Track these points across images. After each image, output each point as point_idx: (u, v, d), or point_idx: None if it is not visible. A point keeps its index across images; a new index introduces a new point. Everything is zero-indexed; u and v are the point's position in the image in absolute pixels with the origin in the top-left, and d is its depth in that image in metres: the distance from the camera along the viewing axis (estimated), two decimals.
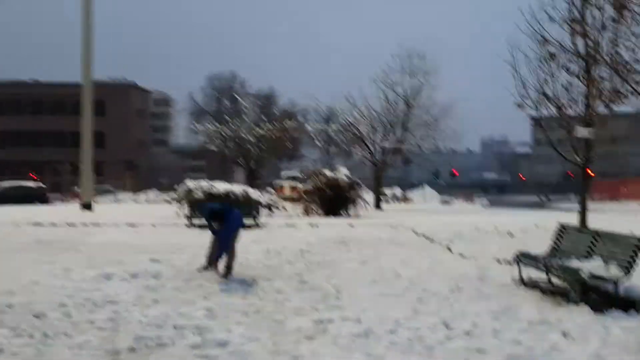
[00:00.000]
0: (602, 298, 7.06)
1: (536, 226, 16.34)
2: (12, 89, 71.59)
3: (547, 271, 8.02)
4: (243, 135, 39.11)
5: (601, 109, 14.32)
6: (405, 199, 45.55)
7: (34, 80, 76.05)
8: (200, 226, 15.49)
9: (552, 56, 14.04)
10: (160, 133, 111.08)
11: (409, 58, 30.45)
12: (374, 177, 32.68)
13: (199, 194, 18.08)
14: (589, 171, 15.47)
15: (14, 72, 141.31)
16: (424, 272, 9.27)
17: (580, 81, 14.16)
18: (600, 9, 13.68)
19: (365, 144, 31.81)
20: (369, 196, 27.85)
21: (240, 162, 41.72)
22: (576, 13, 13.89)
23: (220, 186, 18.99)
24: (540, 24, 14.07)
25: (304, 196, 23.51)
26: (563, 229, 8.87)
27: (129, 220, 17.82)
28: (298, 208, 23.63)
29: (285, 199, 28.40)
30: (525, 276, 8.53)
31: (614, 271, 6.89)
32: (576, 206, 17.17)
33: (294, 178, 43.69)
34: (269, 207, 21.74)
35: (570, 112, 14.66)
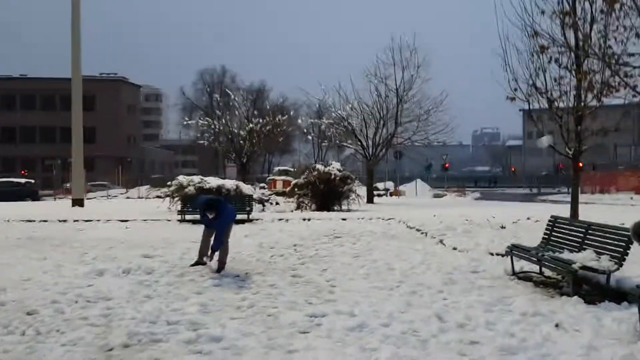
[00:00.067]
0: (594, 289, 7.12)
1: (528, 218, 16.44)
2: (2, 84, 70.94)
3: (540, 263, 8.07)
4: (234, 129, 38.98)
5: (592, 101, 14.36)
6: (397, 193, 45.60)
7: (23, 76, 75.39)
8: (193, 221, 15.47)
9: (543, 49, 14.04)
10: (151, 128, 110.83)
11: (400, 51, 30.40)
12: (366, 171, 32.68)
13: (190, 189, 18.05)
14: (579, 163, 15.52)
15: (3, 67, 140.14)
16: (417, 265, 9.30)
17: (571, 74, 14.19)
18: (590, 1, 13.70)
19: (357, 138, 31.78)
20: (361, 190, 27.86)
21: (232, 157, 41.57)
22: (566, 5, 13.91)
23: (212, 181, 18.97)
24: (531, 17, 14.08)
25: (297, 190, 23.47)
26: (555, 221, 8.91)
27: (120, 216, 17.75)
28: (290, 202, 23.61)
29: (278, 193, 28.35)
30: (517, 268, 8.58)
31: (605, 263, 6.93)
32: (567, 198, 17.30)
33: (286, 172, 43.69)
34: (261, 201, 21.77)
35: (561, 104, 14.70)
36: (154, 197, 30.53)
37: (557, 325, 5.75)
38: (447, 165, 56.70)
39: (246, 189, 19.20)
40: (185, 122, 50.98)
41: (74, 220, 16.72)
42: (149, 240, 12.37)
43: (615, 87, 13.30)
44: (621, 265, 6.89)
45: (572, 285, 7.01)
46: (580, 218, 13.37)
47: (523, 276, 8.37)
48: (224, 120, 39.27)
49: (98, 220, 16.77)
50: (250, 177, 40.94)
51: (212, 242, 8.86)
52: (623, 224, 10.14)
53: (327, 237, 13.11)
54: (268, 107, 49.31)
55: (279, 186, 35.20)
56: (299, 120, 46.37)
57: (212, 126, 39.76)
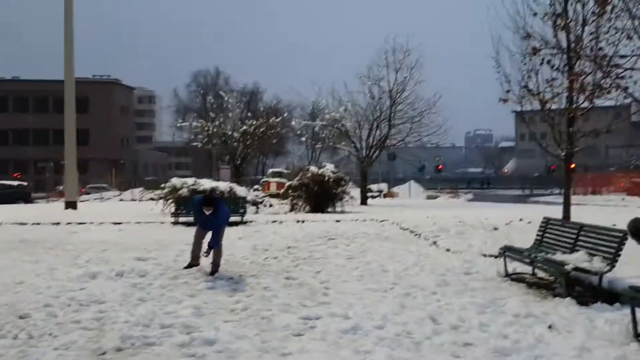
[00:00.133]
0: (586, 291, 7.15)
1: (521, 220, 16.49)
2: None
3: (532, 264, 8.10)
4: (228, 131, 38.91)
5: (584, 103, 14.43)
6: (391, 194, 45.67)
7: (16, 78, 75.05)
8: (186, 223, 15.43)
9: (535, 50, 14.11)
10: (145, 130, 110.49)
11: (394, 53, 30.46)
12: (360, 173, 32.70)
13: (184, 192, 18.00)
14: (571, 165, 15.59)
15: None
16: (410, 267, 9.32)
17: (563, 75, 14.26)
18: (582, 3, 13.78)
19: (351, 140, 31.82)
20: (355, 192, 27.88)
21: (225, 158, 41.52)
22: (558, 7, 13.98)
23: (206, 183, 18.93)
24: (523, 19, 14.15)
25: (290, 192, 23.45)
26: (547, 223, 8.95)
27: (114, 219, 17.67)
28: (284, 204, 23.59)
29: (272, 195, 28.32)
30: (510, 270, 8.61)
31: (598, 264, 6.97)
32: (559, 199, 17.37)
33: (280, 174, 43.65)
34: (255, 203, 21.74)
35: (553, 106, 14.77)
36: (147, 200, 30.44)
37: (550, 327, 5.77)
38: (440, 166, 56.83)
39: (240, 190, 19.16)
40: (178, 125, 50.85)
41: (67, 223, 16.61)
42: (143, 242, 12.32)
43: (607, 88, 13.38)
44: (613, 266, 6.93)
45: (565, 287, 7.04)
46: (573, 219, 13.43)
47: (516, 277, 8.40)
48: (217, 122, 39.20)
49: (91, 223, 16.67)
50: (244, 179, 40.87)
51: (207, 242, 8.85)
52: (615, 225, 10.21)
53: (321, 239, 13.10)
54: (262, 108, 49.32)
55: (273, 188, 35.15)
56: (293, 122, 46.30)
57: (206, 128, 39.69)
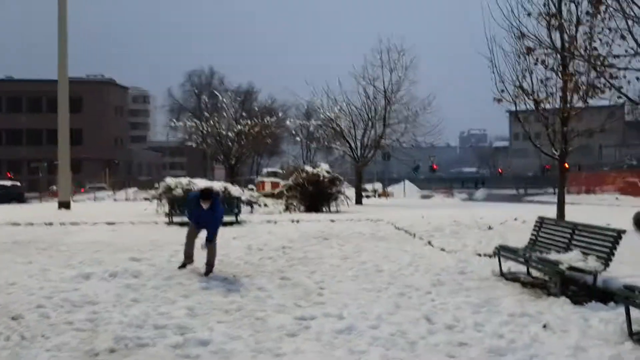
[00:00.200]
0: (581, 290, 7.16)
1: (515, 219, 16.52)
2: None
3: (527, 264, 8.11)
4: (222, 131, 38.82)
5: (578, 102, 14.47)
6: (385, 194, 45.70)
7: (9, 78, 74.69)
8: (180, 223, 15.37)
9: (529, 50, 14.13)
10: (139, 130, 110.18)
11: (388, 53, 30.49)
12: (355, 173, 32.72)
13: (178, 191, 17.95)
14: (565, 164, 15.63)
15: None
16: (405, 267, 9.31)
17: (557, 75, 14.30)
18: (576, 3, 13.82)
19: (346, 140, 31.82)
20: (350, 191, 27.88)
21: (220, 158, 41.42)
22: (552, 7, 14.01)
23: (200, 183, 18.87)
24: (517, 19, 14.16)
25: (285, 192, 23.43)
26: (542, 222, 8.96)
27: (107, 219, 17.61)
28: (279, 204, 23.56)
29: (266, 195, 28.28)
30: (505, 269, 8.61)
31: (592, 263, 6.98)
32: (553, 199, 17.41)
33: (274, 174, 43.63)
34: (249, 203, 21.69)
35: (547, 106, 14.80)
36: (141, 200, 30.35)
37: (544, 326, 5.77)
38: (434, 166, 56.94)
39: (234, 190, 19.12)
40: (172, 124, 50.70)
41: (61, 223, 16.54)
42: (136, 243, 12.27)
43: (601, 88, 13.42)
44: (608, 265, 6.95)
45: (560, 286, 7.05)
46: (567, 219, 13.46)
47: (511, 277, 8.40)
48: (211, 122, 39.11)
49: (85, 223, 16.61)
50: (238, 179, 40.79)
51: (199, 241, 8.82)
52: (609, 224, 10.25)
53: (316, 238, 13.08)
54: (256, 108, 49.17)
55: (268, 188, 35.15)
56: (288, 122, 46.31)
57: (200, 128, 39.60)
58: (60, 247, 11.62)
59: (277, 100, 63.07)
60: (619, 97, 13.56)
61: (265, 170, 50.79)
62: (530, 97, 14.69)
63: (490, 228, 14.70)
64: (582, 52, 13.27)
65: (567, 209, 15.45)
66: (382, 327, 5.77)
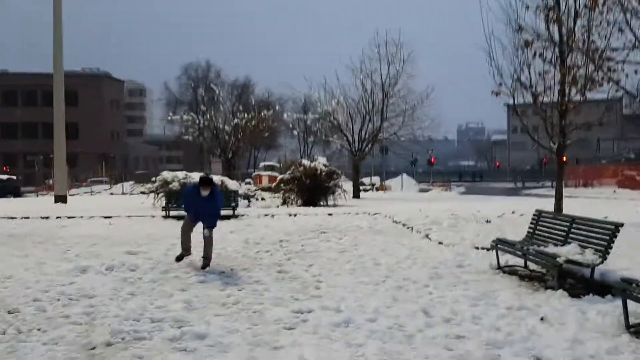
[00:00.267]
0: (578, 283, 7.16)
1: (513, 212, 16.53)
2: None
3: (525, 257, 8.10)
4: (219, 125, 38.72)
5: (576, 95, 14.45)
6: (383, 188, 45.68)
7: (4, 71, 74.33)
8: (177, 217, 15.34)
9: (528, 43, 14.09)
10: (135, 123, 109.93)
11: (386, 46, 30.39)
12: (352, 166, 32.67)
13: (175, 185, 17.91)
14: (563, 157, 15.61)
15: None
16: (403, 260, 9.30)
17: (555, 68, 14.26)
18: None
19: (343, 133, 31.75)
20: (347, 185, 27.85)
21: (217, 152, 41.31)
22: (550, 0, 13.96)
23: (197, 177, 18.82)
24: (515, 12, 14.12)
25: (283, 186, 23.38)
26: (539, 215, 8.96)
27: (104, 212, 17.57)
28: (276, 198, 23.53)
29: (264, 189, 28.24)
30: (502, 262, 8.61)
31: (590, 256, 6.98)
32: (551, 192, 17.43)
33: (272, 168, 43.54)
34: (247, 197, 21.67)
35: (545, 99, 14.77)
36: (138, 193, 30.29)
37: (542, 319, 5.77)
38: (432, 159, 56.92)
39: (231, 184, 19.08)
40: (169, 118, 50.54)
41: (57, 217, 16.49)
42: (133, 236, 12.24)
43: (599, 81, 13.41)
44: (605, 258, 6.94)
45: (557, 279, 7.05)
46: (565, 212, 13.47)
47: (508, 270, 8.40)
48: (208, 116, 39.00)
49: (81, 217, 16.56)
50: (235, 173, 40.72)
51: (195, 234, 8.79)
52: (607, 217, 10.25)
53: (313, 232, 13.07)
54: (253, 102, 49.04)
55: (265, 182, 35.07)
56: (285, 116, 46.18)
57: (197, 121, 39.48)
58: (57, 241, 11.59)
59: (274, 94, 63.04)
60: (617, 91, 13.56)
61: (262, 164, 50.69)
62: (528, 90, 14.66)
63: (488, 221, 14.69)
64: (580, 45, 13.25)
65: (565, 202, 15.45)
66: (379, 320, 5.77)
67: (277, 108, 47.10)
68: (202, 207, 8.70)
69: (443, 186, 51.27)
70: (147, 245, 10.77)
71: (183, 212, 10.24)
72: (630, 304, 5.46)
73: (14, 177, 40.52)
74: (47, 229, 13.70)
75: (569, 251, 7.19)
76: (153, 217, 16.65)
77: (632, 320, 5.45)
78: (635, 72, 12.59)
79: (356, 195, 29.90)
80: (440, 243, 11.22)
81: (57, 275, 7.91)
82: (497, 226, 13.58)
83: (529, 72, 14.53)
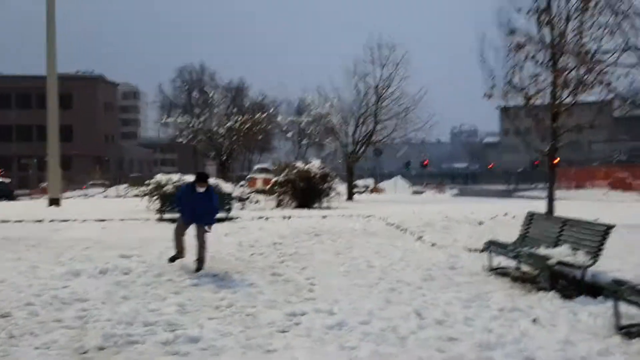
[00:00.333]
0: (570, 284, 7.19)
1: (505, 214, 16.60)
2: None
3: (517, 259, 8.14)
4: (213, 127, 38.69)
5: (567, 98, 14.54)
6: (377, 190, 45.76)
7: None
8: (171, 220, 15.31)
9: (520, 46, 14.18)
10: (129, 126, 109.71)
11: (379, 49, 30.49)
12: (346, 169, 32.74)
13: (169, 188, 17.87)
14: (555, 160, 15.70)
15: None
16: (396, 262, 9.33)
17: (547, 71, 14.35)
18: None
19: (337, 136, 31.81)
20: (341, 187, 27.88)
21: (211, 155, 41.26)
22: (542, 3, 14.06)
23: (191, 180, 18.80)
24: (507, 15, 14.21)
25: (277, 189, 23.40)
26: (531, 217, 9.00)
27: (97, 216, 17.52)
28: (270, 200, 23.54)
29: (258, 191, 28.24)
30: (495, 264, 8.65)
31: (581, 258, 7.01)
32: (543, 194, 17.48)
33: (266, 170, 43.50)
34: (241, 200, 21.65)
35: (537, 101, 14.86)
36: (132, 196, 30.21)
37: (534, 321, 5.80)
38: (425, 162, 57.05)
39: (226, 187, 19.07)
40: (163, 121, 50.45)
41: (50, 220, 16.45)
42: (127, 240, 12.22)
43: (590, 84, 13.50)
44: (596, 260, 6.98)
45: (549, 281, 7.08)
46: (556, 214, 13.53)
47: (500, 272, 8.44)
48: (202, 118, 38.96)
49: (75, 220, 16.52)
50: (230, 175, 40.66)
51: (188, 236, 8.77)
52: (598, 219, 10.31)
53: (307, 235, 13.08)
54: (247, 104, 49.04)
55: (259, 184, 35.07)
56: (279, 118, 46.21)
57: (191, 124, 39.44)
58: (50, 244, 11.56)
59: (268, 97, 63.02)
60: (608, 93, 13.65)
61: (256, 166, 50.66)
62: (520, 92, 14.74)
63: (480, 223, 14.76)
64: (572, 48, 13.34)
65: (557, 204, 15.53)
66: (372, 323, 5.78)
67: (271, 110, 47.06)
68: (198, 204, 8.66)
69: (436, 188, 51.37)
70: (140, 249, 10.75)
71: (177, 215, 10.22)
72: (622, 305, 5.49)
73: (7, 181, 40.30)
74: (40, 233, 13.66)
75: (560, 253, 7.23)
76: (147, 220, 16.62)
77: (623, 322, 5.49)
78: (626, 74, 12.70)
79: (350, 197, 29.95)
80: (433, 245, 11.26)
81: (50, 279, 7.89)
82: (490, 228, 13.64)
83: (521, 75, 14.63)
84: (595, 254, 6.98)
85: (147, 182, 20.01)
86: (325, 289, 7.49)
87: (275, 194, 23.31)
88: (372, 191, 44.74)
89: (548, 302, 6.50)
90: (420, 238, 12.35)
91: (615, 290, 5.51)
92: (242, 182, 38.70)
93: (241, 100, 55.48)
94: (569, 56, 13.57)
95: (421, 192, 46.25)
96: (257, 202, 23.41)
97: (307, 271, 8.72)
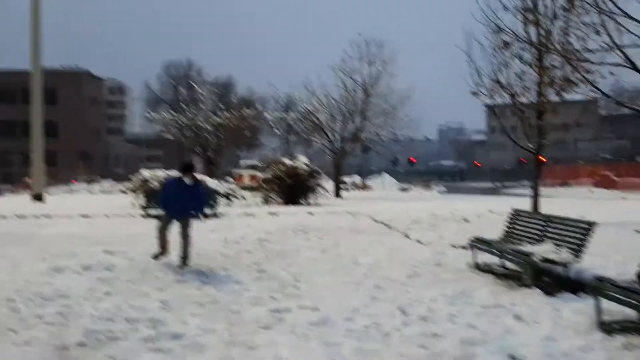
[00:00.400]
0: (553, 281, 7.24)
1: (491, 212, 16.69)
2: None
3: (501, 256, 8.18)
4: (200, 123, 38.51)
5: (553, 96, 14.64)
6: (364, 187, 45.82)
7: None
8: (157, 216, 15.20)
9: (506, 45, 14.26)
10: (115, 122, 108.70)
11: (367, 46, 30.50)
12: (334, 166, 32.76)
13: (154, 184, 17.75)
14: (541, 158, 15.82)
15: None
16: (382, 259, 9.33)
17: (533, 69, 14.44)
18: None
19: (325, 133, 31.79)
20: (328, 184, 27.89)
21: (198, 151, 41.06)
22: (529, 2, 14.13)
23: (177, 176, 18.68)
24: (494, 13, 14.26)
25: (264, 185, 23.35)
26: (516, 214, 9.05)
27: (82, 212, 17.37)
28: (257, 197, 23.47)
29: (245, 188, 28.15)
30: (480, 261, 8.68)
31: (565, 255, 7.07)
32: (529, 191, 17.60)
33: (253, 167, 43.36)
34: (227, 196, 21.55)
35: (523, 100, 14.95)
36: (117, 192, 29.99)
37: (517, 317, 5.82)
38: (413, 159, 57.22)
39: (212, 183, 18.97)
40: (149, 116, 50.06)
41: (34, 216, 16.27)
42: (111, 236, 12.12)
43: (576, 82, 13.60)
44: (579, 256, 7.03)
45: (532, 277, 7.12)
46: (542, 211, 13.63)
47: (485, 269, 8.47)
48: (189, 114, 38.75)
49: (59, 216, 16.36)
50: (216, 172, 40.49)
51: (170, 233, 8.71)
52: (583, 216, 10.39)
53: (294, 231, 13.06)
54: (235, 100, 48.82)
55: (246, 181, 34.98)
56: (266, 114, 46.09)
57: (177, 120, 39.22)
58: (33, 240, 11.42)
59: (256, 93, 62.72)
60: (593, 92, 13.75)
61: (243, 162, 50.49)
62: (507, 91, 14.83)
63: (466, 220, 14.83)
64: (558, 47, 13.43)
65: (543, 201, 15.66)
66: (357, 320, 5.78)
67: (258, 107, 46.92)
68: (187, 196, 8.59)
69: (423, 185, 51.55)
70: (125, 245, 10.67)
71: (162, 212, 10.15)
72: (603, 302, 5.53)
73: None
74: (23, 229, 13.50)
75: (544, 250, 7.27)
76: (132, 216, 16.51)
77: (604, 318, 5.53)
78: (611, 73, 12.79)
79: (337, 194, 29.96)
80: (419, 242, 11.30)
81: (32, 276, 7.80)
82: (476, 225, 13.70)
83: (507, 73, 14.72)
84: (579, 251, 7.03)
85: (132, 178, 19.88)
86: (311, 286, 7.47)
87: (262, 191, 23.25)
88: (359, 188, 44.79)
89: (531, 298, 6.54)
90: (406, 235, 12.38)
91: (597, 287, 5.55)
92: (229, 179, 38.53)
93: (229, 96, 55.15)
94: (554, 55, 13.66)
95: (408, 189, 46.36)
96: (243, 198, 23.31)
97: (292, 268, 8.70)
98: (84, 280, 7.58)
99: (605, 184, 37.74)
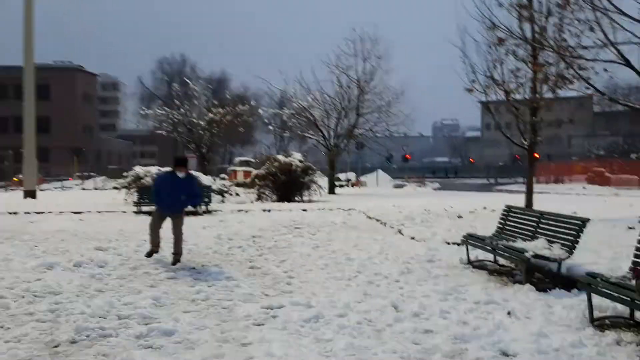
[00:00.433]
0: (546, 277, 7.26)
1: (484, 208, 16.72)
2: None
3: (494, 252, 8.19)
4: (194, 119, 38.35)
5: (547, 93, 14.66)
6: (358, 183, 45.81)
7: None
8: (149, 213, 15.15)
9: (501, 41, 14.25)
10: (109, 118, 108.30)
11: (362, 42, 30.47)
12: (328, 162, 32.72)
13: (147, 180, 17.70)
14: (535, 154, 15.85)
15: None
16: (375, 256, 9.33)
17: (528, 66, 14.45)
18: None
19: (319, 129, 31.74)
20: (322, 181, 27.85)
21: (191, 147, 40.92)
22: None
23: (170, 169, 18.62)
24: (489, 9, 14.26)
25: (257, 181, 23.28)
26: (509, 211, 9.06)
27: (74, 208, 17.28)
28: (251, 193, 23.42)
29: (238, 184, 28.09)
30: (473, 257, 8.69)
31: (557, 251, 7.08)
32: (523, 188, 17.67)
33: (247, 163, 43.33)
34: (221, 192, 21.50)
35: (517, 96, 14.97)
36: (110, 189, 29.87)
37: (509, 313, 5.84)
38: (407, 156, 57.23)
39: (205, 179, 18.93)
40: (142, 112, 49.89)
41: (25, 212, 16.17)
42: (103, 232, 12.06)
43: (570, 79, 13.62)
44: (572, 253, 7.05)
45: (525, 273, 7.13)
46: (535, 207, 13.66)
47: (478, 265, 8.49)
48: (182, 110, 38.59)
49: (50, 212, 16.27)
50: (210, 168, 40.39)
51: (163, 230, 8.67)
52: (575, 212, 10.42)
53: (287, 228, 13.04)
54: (229, 96, 48.67)
55: (240, 177, 34.91)
56: (260, 111, 46.00)
57: (171, 116, 39.05)
58: (24, 237, 11.35)
59: (250, 89, 62.64)
60: (587, 88, 13.78)
61: (237, 159, 50.39)
62: (501, 87, 14.84)
63: (460, 217, 14.84)
64: (552, 43, 13.43)
65: (536, 197, 15.70)
66: (349, 316, 5.77)
67: (253, 103, 46.76)
68: (180, 190, 8.54)
69: (418, 182, 51.59)
70: (117, 242, 10.62)
71: (155, 208, 10.11)
72: (595, 298, 5.55)
73: None
74: (15, 225, 13.41)
75: (536, 246, 7.29)
76: (124, 212, 16.44)
77: (596, 314, 5.55)
78: (605, 70, 12.81)
79: (331, 191, 29.94)
80: (412, 238, 11.30)
81: (23, 272, 7.75)
82: (469, 222, 13.72)
83: (502, 70, 14.73)
84: (571, 247, 7.05)
85: (124, 174, 19.81)
86: (303, 282, 7.46)
87: (256, 187, 23.19)
88: (353, 185, 44.78)
89: (523, 294, 6.55)
90: (399, 231, 12.38)
91: (589, 283, 5.56)
92: (222, 175, 38.45)
93: (223, 92, 55.00)
94: (548, 51, 13.67)
95: (403, 186, 46.38)
96: (237, 195, 23.27)
97: (285, 264, 8.69)
98: (76, 277, 7.53)
99: (599, 180, 37.87)
